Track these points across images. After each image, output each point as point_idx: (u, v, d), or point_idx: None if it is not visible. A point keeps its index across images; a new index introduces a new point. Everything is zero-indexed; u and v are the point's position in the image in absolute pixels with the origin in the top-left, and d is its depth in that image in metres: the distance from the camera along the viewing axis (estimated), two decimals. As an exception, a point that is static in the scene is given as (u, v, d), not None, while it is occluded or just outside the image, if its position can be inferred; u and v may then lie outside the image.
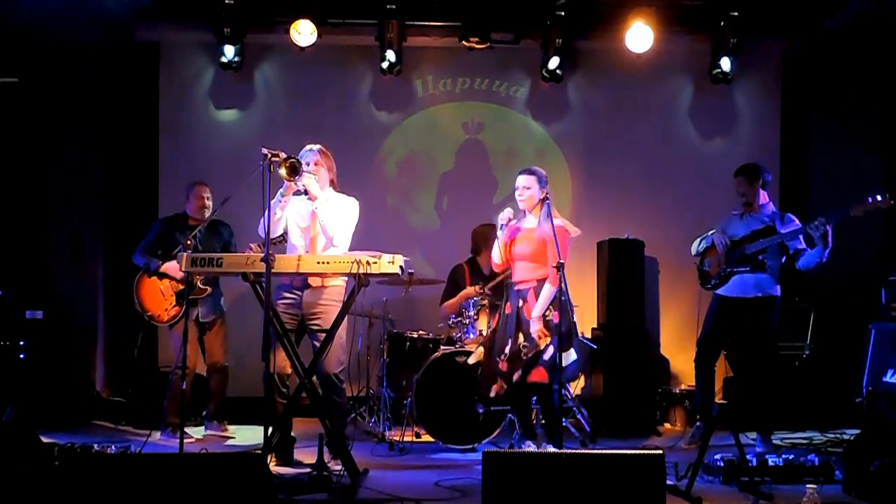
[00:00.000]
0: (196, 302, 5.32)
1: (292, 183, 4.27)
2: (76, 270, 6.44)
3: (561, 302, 4.30)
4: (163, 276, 5.32)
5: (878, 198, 4.54)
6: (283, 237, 4.57)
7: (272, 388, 4.26)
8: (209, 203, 5.41)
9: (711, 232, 5.17)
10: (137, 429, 5.56)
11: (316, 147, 4.57)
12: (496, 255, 4.66)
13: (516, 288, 4.57)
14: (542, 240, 4.46)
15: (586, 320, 6.49)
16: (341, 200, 4.55)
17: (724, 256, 5.02)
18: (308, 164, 4.42)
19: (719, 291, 5.11)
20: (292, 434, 4.66)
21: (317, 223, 4.45)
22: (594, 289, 6.52)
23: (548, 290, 4.39)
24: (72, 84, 6.25)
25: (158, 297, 5.33)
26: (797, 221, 5.01)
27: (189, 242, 4.39)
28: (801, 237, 4.85)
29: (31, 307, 5.74)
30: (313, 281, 4.42)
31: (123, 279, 6.46)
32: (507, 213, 4.56)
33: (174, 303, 5.32)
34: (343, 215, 4.49)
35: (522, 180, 4.61)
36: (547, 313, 4.41)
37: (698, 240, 5.29)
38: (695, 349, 5.28)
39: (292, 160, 4.10)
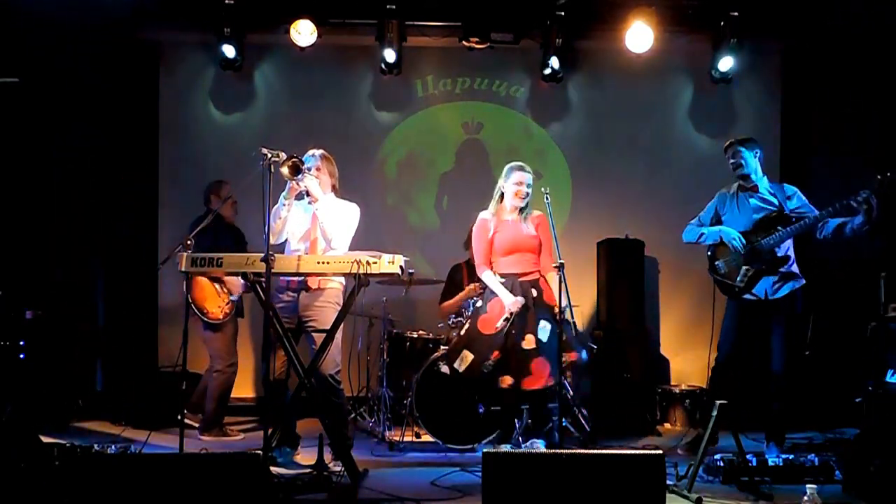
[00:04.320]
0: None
1: (295, 183, 4.27)
2: (76, 270, 6.44)
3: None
4: (219, 279, 5.35)
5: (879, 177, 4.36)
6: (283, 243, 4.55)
7: (272, 390, 4.24)
8: None
9: (704, 225, 4.88)
10: (136, 428, 5.55)
11: (318, 152, 4.55)
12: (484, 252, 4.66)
13: (523, 280, 4.56)
14: (534, 235, 4.62)
15: (586, 320, 6.50)
16: (342, 205, 4.53)
17: (742, 256, 4.64)
18: (310, 170, 4.41)
19: (745, 296, 4.69)
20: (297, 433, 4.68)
21: (317, 226, 4.43)
22: (594, 289, 6.53)
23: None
24: (72, 84, 6.26)
25: (213, 294, 5.32)
26: (801, 194, 4.70)
27: (189, 243, 4.37)
28: (828, 218, 4.47)
29: (31, 307, 5.74)
30: (311, 283, 4.40)
31: (123, 279, 6.49)
32: (518, 302, 4.49)
33: (227, 300, 5.35)
34: (343, 219, 4.47)
35: (528, 178, 4.68)
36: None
37: (693, 227, 4.97)
38: (701, 351, 5.08)
39: (294, 159, 4.08)
